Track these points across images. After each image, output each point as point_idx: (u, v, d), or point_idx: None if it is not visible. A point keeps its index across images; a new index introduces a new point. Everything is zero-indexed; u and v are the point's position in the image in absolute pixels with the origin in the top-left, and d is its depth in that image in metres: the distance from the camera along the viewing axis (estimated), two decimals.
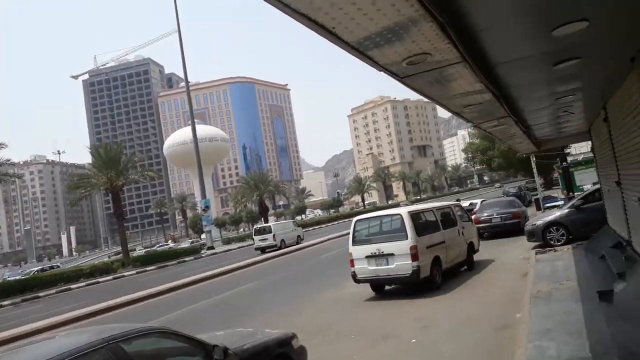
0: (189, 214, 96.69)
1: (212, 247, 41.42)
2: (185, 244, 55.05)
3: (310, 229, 52.20)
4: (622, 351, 4.67)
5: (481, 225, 17.18)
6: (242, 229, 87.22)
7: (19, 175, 38.48)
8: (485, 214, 18.01)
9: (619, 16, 3.84)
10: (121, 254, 36.45)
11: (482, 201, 21.36)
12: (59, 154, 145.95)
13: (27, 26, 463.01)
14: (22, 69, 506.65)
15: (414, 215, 10.04)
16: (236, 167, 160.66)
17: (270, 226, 32.05)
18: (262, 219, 58.99)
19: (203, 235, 52.43)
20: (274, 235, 30.58)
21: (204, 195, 45.28)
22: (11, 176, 32.63)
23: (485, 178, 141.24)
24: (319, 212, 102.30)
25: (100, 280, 28.17)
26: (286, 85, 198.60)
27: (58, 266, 43.44)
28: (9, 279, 36.94)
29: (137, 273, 29.74)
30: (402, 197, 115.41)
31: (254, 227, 39.31)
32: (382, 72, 4.07)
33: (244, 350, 4.68)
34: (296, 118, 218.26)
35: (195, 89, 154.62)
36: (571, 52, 4.62)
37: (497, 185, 58.02)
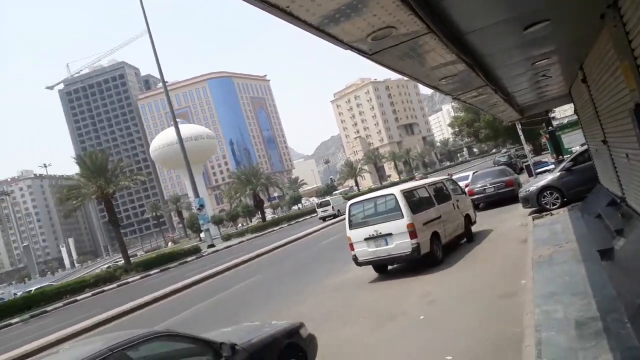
0: (185, 214, 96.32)
1: (212, 245, 41.34)
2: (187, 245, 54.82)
3: (309, 217, 52.20)
4: (629, 307, 4.71)
5: (475, 196, 17.32)
6: (240, 224, 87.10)
7: (8, 193, 38.09)
8: (479, 185, 18.11)
9: None
10: (123, 261, 36.29)
11: (473, 173, 21.45)
12: (46, 167, 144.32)
13: None
14: None
15: (407, 194, 10.05)
16: (226, 163, 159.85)
17: (329, 200, 41.31)
18: (259, 212, 59.09)
19: (202, 234, 52.33)
20: (332, 207, 38.53)
21: (197, 195, 45.03)
22: (0, 194, 32.25)
23: (475, 150, 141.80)
24: (314, 200, 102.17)
25: (105, 288, 28.07)
26: (265, 76, 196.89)
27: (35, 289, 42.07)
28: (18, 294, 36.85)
29: (141, 278, 29.62)
30: (394, 176, 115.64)
31: (316, 202, 49.57)
32: (349, 51, 3.98)
33: (252, 345, 4.70)
34: (280, 108, 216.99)
35: (174, 89, 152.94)
36: (540, 14, 4.56)
37: (504, 150, 58.60)
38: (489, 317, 6.08)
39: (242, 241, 41.58)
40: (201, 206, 44.46)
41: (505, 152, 50.18)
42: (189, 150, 49.67)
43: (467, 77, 6.58)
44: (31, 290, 36.71)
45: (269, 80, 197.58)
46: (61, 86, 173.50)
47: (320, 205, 41.54)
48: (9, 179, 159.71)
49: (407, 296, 8.24)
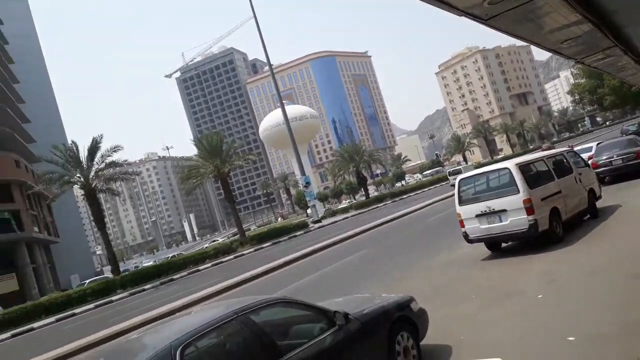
0: (292, 191, 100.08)
1: (318, 221, 42.60)
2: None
3: (413, 193, 51.47)
4: None
5: (600, 169, 15.81)
6: (343, 201, 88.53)
7: (138, 173, 42.51)
8: (604, 157, 16.46)
9: None
10: (238, 235, 38.77)
11: (598, 144, 19.56)
12: (168, 149, 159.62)
13: (121, 36, 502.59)
14: (123, 77, 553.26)
15: (523, 167, 9.47)
16: (329, 142, 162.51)
17: (460, 168, 43.87)
18: (362, 189, 59.53)
19: (309, 211, 54.13)
20: None
21: (302, 173, 46.59)
22: (131, 174, 36.00)
23: (598, 119, 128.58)
24: (418, 177, 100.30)
25: (223, 260, 30.15)
26: (366, 52, 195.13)
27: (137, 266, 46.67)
28: (145, 264, 41.47)
29: (255, 250, 31.37)
30: (507, 150, 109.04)
31: (448, 170, 53.02)
32: (463, 17, 3.79)
33: (364, 315, 4.81)
34: (381, 84, 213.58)
35: (279, 71, 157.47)
36: None
37: None
38: (617, 298, 5.61)
39: (347, 217, 42.21)
40: (307, 184, 45.90)
41: (635, 120, 44.98)
42: (295, 130, 51.15)
43: (593, 39, 5.99)
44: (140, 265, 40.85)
45: (370, 57, 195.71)
46: (178, 74, 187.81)
47: (452, 173, 44.16)
48: (137, 161, 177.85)
49: (523, 274, 7.86)
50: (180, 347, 3.45)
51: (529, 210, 8.80)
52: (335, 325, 4.38)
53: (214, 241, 74.24)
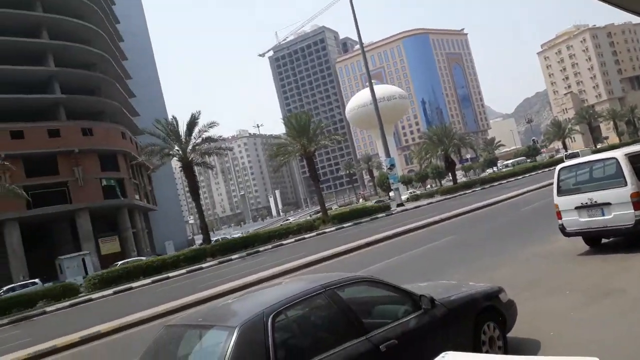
0: (375, 173, 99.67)
1: (401, 204, 42.18)
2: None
3: (505, 181, 49.04)
4: None
5: None
6: (428, 185, 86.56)
7: (230, 148, 44.77)
8: None
9: None
10: (320, 213, 39.55)
11: None
12: (258, 127, 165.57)
13: (218, 15, 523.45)
14: (219, 55, 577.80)
15: (633, 158, 8.65)
16: (417, 124, 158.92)
17: (578, 152, 45.78)
18: (450, 174, 57.87)
19: (391, 193, 53.74)
20: None
21: (388, 154, 46.14)
22: (224, 149, 37.93)
23: None
24: (509, 163, 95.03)
25: (305, 236, 31.08)
26: (462, 30, 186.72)
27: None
28: (234, 236, 43.94)
29: (336, 229, 31.77)
30: (613, 139, 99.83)
31: (565, 153, 55.26)
32: None
33: (451, 301, 4.76)
34: (477, 63, 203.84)
35: (370, 50, 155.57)
36: None
37: None
38: None
39: (431, 202, 41.35)
40: (392, 166, 45.48)
41: None
42: (382, 110, 50.59)
43: None
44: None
45: (466, 34, 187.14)
46: (270, 53, 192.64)
47: (568, 156, 45.32)
48: (229, 137, 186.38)
49: (624, 273, 7.30)
50: (272, 314, 3.65)
51: (637, 204, 8.10)
52: (421, 309, 4.38)
53: (286, 220, 76.97)
